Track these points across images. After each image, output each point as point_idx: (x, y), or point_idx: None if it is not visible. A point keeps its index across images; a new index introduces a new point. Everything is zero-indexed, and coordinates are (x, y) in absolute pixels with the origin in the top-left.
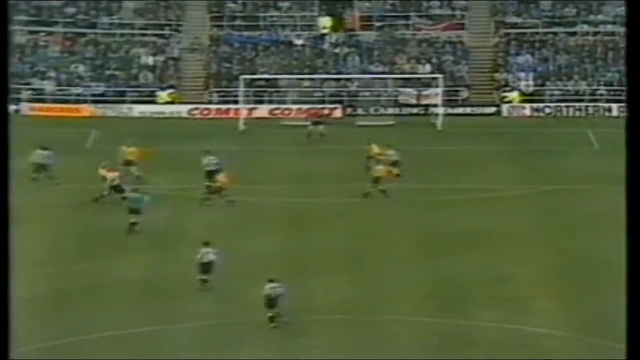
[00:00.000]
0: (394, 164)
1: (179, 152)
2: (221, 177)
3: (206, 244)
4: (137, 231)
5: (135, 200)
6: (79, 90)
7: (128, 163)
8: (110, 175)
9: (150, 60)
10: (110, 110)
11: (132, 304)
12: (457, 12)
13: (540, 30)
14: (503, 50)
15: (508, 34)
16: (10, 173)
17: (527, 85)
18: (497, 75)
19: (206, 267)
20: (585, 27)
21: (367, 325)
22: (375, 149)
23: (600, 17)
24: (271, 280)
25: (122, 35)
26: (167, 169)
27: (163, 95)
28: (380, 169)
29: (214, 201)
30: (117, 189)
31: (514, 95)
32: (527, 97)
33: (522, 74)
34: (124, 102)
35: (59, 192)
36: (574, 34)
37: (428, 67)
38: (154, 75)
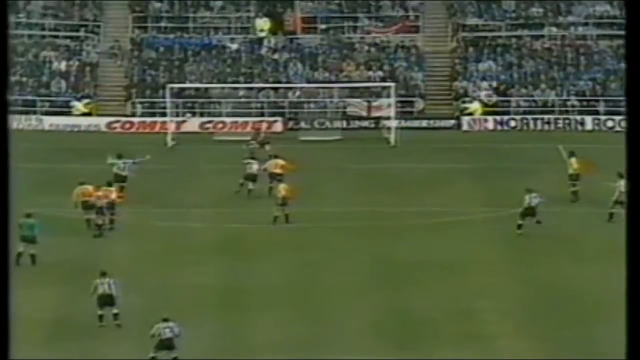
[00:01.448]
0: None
1: (94, 171)
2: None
3: (103, 274)
4: (32, 263)
5: (29, 226)
6: None
7: None
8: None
9: (63, 65)
10: (17, 122)
11: (40, 344)
12: (411, 13)
13: (503, 33)
14: (462, 55)
15: (467, 37)
16: (11, 174)
17: (490, 95)
18: (455, 84)
19: (106, 301)
20: (554, 30)
21: None
22: (280, 162)
23: (570, 18)
24: (165, 320)
25: (30, 36)
26: (72, 191)
27: (78, 105)
28: (283, 188)
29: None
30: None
31: (474, 106)
32: (490, 109)
33: (483, 83)
34: (33, 112)
35: None
36: (541, 37)
37: (379, 75)
38: (68, 83)
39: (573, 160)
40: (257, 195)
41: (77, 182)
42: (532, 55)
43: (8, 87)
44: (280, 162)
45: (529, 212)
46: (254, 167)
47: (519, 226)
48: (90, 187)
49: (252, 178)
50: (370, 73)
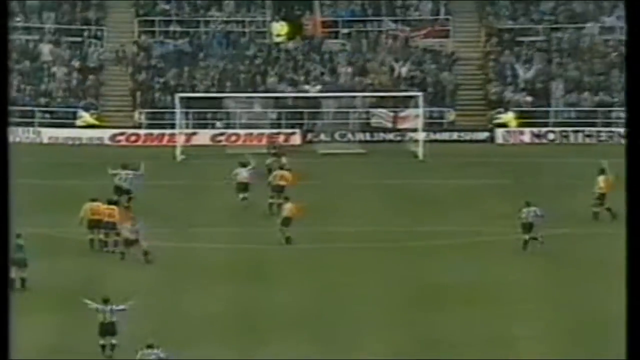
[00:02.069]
0: None
1: (97, 187)
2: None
3: (105, 301)
4: (22, 287)
5: (17, 247)
6: None
7: None
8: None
9: (62, 72)
10: (12, 135)
11: None
12: (440, 16)
13: (540, 37)
14: (496, 62)
15: (502, 41)
16: (11, 175)
17: (526, 105)
18: (489, 92)
19: (107, 329)
20: (596, 33)
21: None
22: (285, 174)
23: (613, 19)
24: (149, 346)
25: (27, 41)
26: (74, 209)
27: (85, 116)
28: (287, 208)
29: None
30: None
31: (509, 117)
32: (526, 120)
33: (519, 91)
34: (30, 124)
35: None
36: (582, 41)
37: (405, 83)
38: (69, 92)
39: (601, 178)
40: (262, 211)
41: (77, 198)
42: (572, 61)
43: (8, 98)
44: (286, 173)
45: (525, 227)
46: (242, 175)
47: (527, 242)
48: (101, 205)
49: (243, 188)
50: (396, 81)
